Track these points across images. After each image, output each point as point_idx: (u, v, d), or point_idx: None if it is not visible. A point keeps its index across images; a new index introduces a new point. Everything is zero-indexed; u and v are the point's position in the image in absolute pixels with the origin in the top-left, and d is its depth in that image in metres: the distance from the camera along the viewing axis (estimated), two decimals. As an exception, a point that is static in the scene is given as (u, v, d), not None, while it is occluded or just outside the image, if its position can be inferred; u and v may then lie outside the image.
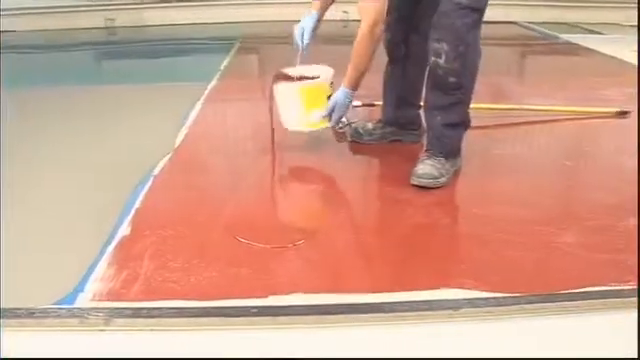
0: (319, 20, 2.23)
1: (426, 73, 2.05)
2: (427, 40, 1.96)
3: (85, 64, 4.55)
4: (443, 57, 1.90)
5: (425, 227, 1.78)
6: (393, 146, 2.40)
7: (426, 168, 2.00)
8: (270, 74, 2.80)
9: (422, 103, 2.20)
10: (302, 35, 2.21)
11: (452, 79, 1.94)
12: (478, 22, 1.92)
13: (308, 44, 2.21)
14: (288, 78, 2.23)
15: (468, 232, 1.76)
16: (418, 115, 2.37)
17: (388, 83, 2.37)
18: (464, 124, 2.07)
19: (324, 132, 2.53)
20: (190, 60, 4.55)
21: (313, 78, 2.22)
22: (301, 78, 2.22)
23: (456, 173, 2.08)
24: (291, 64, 2.26)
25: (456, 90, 1.97)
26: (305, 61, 2.25)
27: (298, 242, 1.64)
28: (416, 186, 1.97)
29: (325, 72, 2.24)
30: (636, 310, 1.32)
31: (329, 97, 2.17)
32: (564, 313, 1.36)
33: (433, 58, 1.93)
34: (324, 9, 2.25)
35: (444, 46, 1.89)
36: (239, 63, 3.94)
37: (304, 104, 2.18)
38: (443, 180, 2.00)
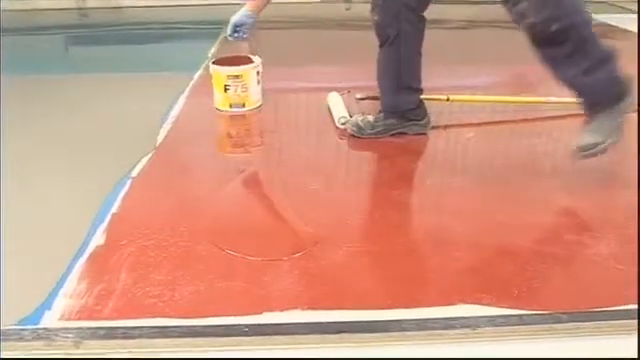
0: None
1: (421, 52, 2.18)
2: (419, 14, 1.99)
3: (52, 50, 4.56)
4: (531, 15, 1.85)
5: (438, 235, 1.80)
6: (398, 141, 2.42)
7: (585, 138, 1.97)
8: (265, 61, 2.86)
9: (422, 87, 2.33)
10: (236, 31, 2.54)
11: (554, 26, 1.85)
12: None
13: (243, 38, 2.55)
14: (225, 62, 2.85)
15: (486, 241, 1.78)
16: (420, 102, 2.40)
17: (383, 69, 2.42)
18: (604, 59, 1.95)
19: (324, 129, 2.57)
20: (173, 47, 4.56)
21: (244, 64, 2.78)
22: (234, 63, 2.82)
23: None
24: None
25: (569, 34, 1.88)
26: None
27: (295, 254, 1.66)
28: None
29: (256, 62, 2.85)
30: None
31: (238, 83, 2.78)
32: (598, 334, 1.37)
33: (521, 24, 1.89)
34: (259, 10, 2.52)
35: (525, 4, 1.85)
36: (228, 50, 3.94)
37: (215, 86, 2.84)
38: (610, 141, 1.95)
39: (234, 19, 2.51)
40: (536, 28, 1.88)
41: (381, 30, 2.31)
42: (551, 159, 2.31)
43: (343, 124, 2.53)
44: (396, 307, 1.43)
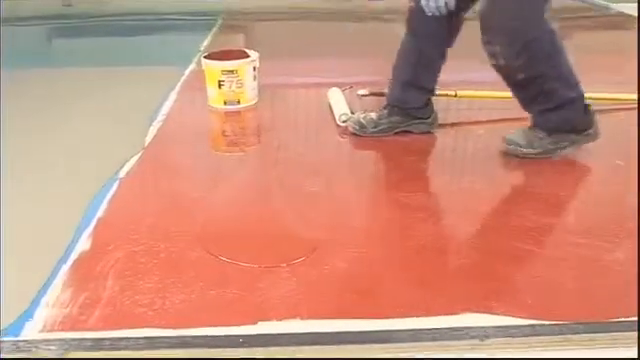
0: None
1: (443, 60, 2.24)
2: (456, 12, 2.09)
3: (34, 42, 4.58)
4: (500, 58, 2.07)
5: (444, 239, 1.81)
6: (402, 139, 2.43)
7: (515, 134, 2.25)
8: (261, 55, 2.87)
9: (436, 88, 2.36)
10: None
11: (520, 76, 2.11)
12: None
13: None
14: (218, 56, 2.88)
15: (496, 245, 1.78)
16: (428, 101, 2.41)
17: (400, 58, 2.42)
18: (568, 102, 2.17)
19: (324, 127, 2.57)
20: (163, 39, 4.58)
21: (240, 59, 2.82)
22: (228, 57, 2.84)
23: (577, 148, 2.27)
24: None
25: (534, 80, 2.12)
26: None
27: (294, 261, 1.67)
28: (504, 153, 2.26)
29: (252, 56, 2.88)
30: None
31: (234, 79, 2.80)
32: (617, 346, 1.38)
33: (490, 60, 2.11)
34: None
35: (497, 48, 2.05)
36: (222, 43, 3.96)
37: (209, 81, 2.86)
38: (529, 151, 2.22)
39: None
40: (502, 71, 2.13)
41: (417, 17, 2.30)
42: (565, 159, 2.32)
43: (344, 122, 2.54)
44: (400, 316, 1.44)
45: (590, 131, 2.27)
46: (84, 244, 1.75)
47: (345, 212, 1.95)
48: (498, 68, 2.13)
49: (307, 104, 3.02)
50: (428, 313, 1.45)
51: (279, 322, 1.43)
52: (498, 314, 1.45)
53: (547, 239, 1.77)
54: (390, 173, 2.30)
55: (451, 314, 1.45)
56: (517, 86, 2.18)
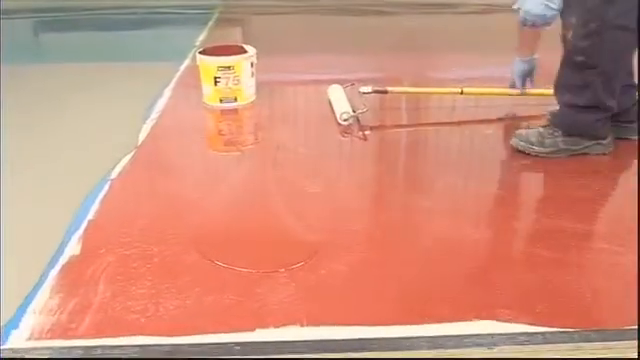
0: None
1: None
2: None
3: (20, 37, 4.58)
4: (571, 31, 2.11)
5: (449, 243, 1.81)
6: (406, 140, 2.43)
7: (527, 132, 2.28)
8: (259, 50, 2.88)
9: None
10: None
11: (579, 58, 2.13)
12: None
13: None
14: (214, 51, 2.88)
15: (505, 249, 1.79)
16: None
17: None
18: (596, 109, 2.21)
19: (324, 126, 2.57)
20: (156, 34, 4.58)
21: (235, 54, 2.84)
22: (224, 52, 2.84)
23: (585, 153, 2.29)
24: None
25: (585, 69, 2.14)
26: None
27: (294, 265, 1.67)
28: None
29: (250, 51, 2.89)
30: None
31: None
32: (631, 354, 1.37)
33: (562, 30, 2.14)
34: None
35: (573, 20, 2.08)
36: (218, 38, 3.96)
37: (204, 78, 2.87)
38: (540, 150, 2.25)
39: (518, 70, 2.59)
40: (566, 45, 2.17)
41: None
42: (577, 160, 2.32)
43: (345, 120, 2.54)
44: (404, 323, 1.45)
45: (604, 142, 2.30)
46: (74, 247, 1.75)
47: (346, 214, 1.95)
48: (564, 40, 2.18)
49: (307, 102, 3.03)
50: (433, 320, 1.45)
51: (278, 329, 1.43)
52: (507, 321, 1.45)
53: (558, 243, 1.77)
54: (393, 174, 2.30)
55: (457, 321, 1.45)
56: (569, 66, 2.20)
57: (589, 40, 2.10)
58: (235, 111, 2.85)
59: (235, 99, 2.86)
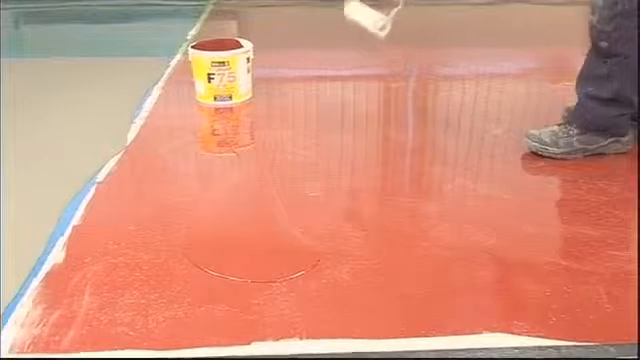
0: None
1: None
2: None
3: None
4: (597, 15, 2.11)
5: (458, 250, 1.81)
6: (411, 140, 2.43)
7: (540, 131, 2.29)
8: (256, 45, 2.88)
9: None
10: None
11: (603, 44, 2.14)
12: None
13: None
14: (208, 46, 2.89)
15: (517, 257, 1.78)
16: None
17: None
18: (619, 103, 2.22)
19: (325, 125, 2.58)
20: (146, 27, 4.57)
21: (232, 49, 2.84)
22: (219, 47, 2.84)
23: (602, 154, 2.31)
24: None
25: (608, 58, 2.16)
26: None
27: (293, 275, 1.67)
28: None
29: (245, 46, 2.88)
30: None
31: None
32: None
33: (589, 15, 2.14)
34: None
35: (599, 1, 2.08)
36: (212, 31, 3.97)
37: (197, 74, 2.87)
38: (554, 151, 2.26)
39: None
40: (592, 30, 2.17)
41: None
42: (593, 162, 2.33)
43: (382, 28, 2.50)
44: (410, 336, 1.45)
45: (623, 139, 2.31)
46: (57, 255, 1.76)
47: (349, 220, 1.96)
48: (590, 24, 2.17)
49: (306, 99, 3.03)
50: (441, 333, 1.46)
51: (276, 342, 1.43)
52: (519, 334, 1.45)
53: (575, 250, 1.77)
54: (397, 176, 2.31)
55: (467, 334, 1.45)
56: (595, 52, 2.21)
57: (614, 23, 2.09)
58: (230, 110, 2.85)
59: (230, 97, 2.86)
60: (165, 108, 2.86)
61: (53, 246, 1.80)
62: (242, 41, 2.92)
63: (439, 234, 1.87)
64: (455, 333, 1.46)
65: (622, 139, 2.31)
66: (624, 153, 2.32)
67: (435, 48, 3.69)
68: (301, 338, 1.45)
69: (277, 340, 1.44)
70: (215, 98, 2.85)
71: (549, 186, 2.21)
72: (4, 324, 1.50)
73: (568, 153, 2.28)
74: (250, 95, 2.93)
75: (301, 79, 3.28)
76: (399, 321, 1.51)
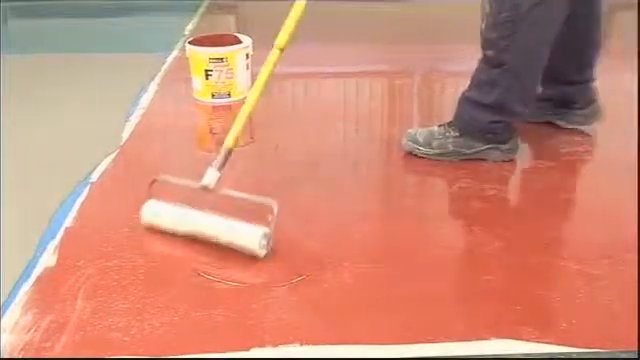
0: None
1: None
2: None
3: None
4: (484, 22, 2.12)
5: (465, 253, 1.82)
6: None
7: (418, 130, 2.34)
8: (255, 40, 2.88)
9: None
10: None
11: (489, 52, 2.15)
12: None
13: None
14: (206, 42, 2.91)
15: (526, 261, 1.78)
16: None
17: None
18: (499, 110, 2.21)
19: (327, 123, 2.58)
20: (142, 22, 4.57)
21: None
22: (217, 42, 2.86)
23: (481, 159, 2.29)
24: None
25: (494, 67, 2.16)
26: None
27: (294, 280, 1.68)
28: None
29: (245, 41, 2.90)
30: None
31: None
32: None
33: (480, 21, 2.13)
34: None
35: (487, 7, 2.09)
36: (210, 26, 3.98)
37: (194, 71, 2.87)
38: (427, 151, 2.28)
39: None
40: (481, 37, 2.18)
41: None
42: (603, 162, 2.33)
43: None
44: (415, 341, 1.45)
45: (502, 147, 2.30)
46: (49, 258, 1.76)
47: (352, 222, 1.96)
48: (480, 32, 2.17)
49: (308, 97, 3.04)
50: (447, 338, 1.46)
51: (275, 348, 1.43)
52: (528, 340, 1.45)
53: (585, 254, 1.77)
54: (402, 177, 2.32)
55: (473, 339, 1.45)
56: (482, 61, 2.22)
57: (499, 31, 2.10)
58: (228, 107, 2.85)
59: (228, 94, 2.87)
60: (161, 106, 2.86)
61: (44, 249, 1.80)
62: (241, 36, 2.92)
63: (444, 236, 1.87)
64: (461, 339, 1.46)
65: (501, 146, 2.29)
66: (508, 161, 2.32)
67: (440, 44, 3.69)
68: (301, 344, 1.45)
69: (276, 346, 1.44)
70: (213, 95, 2.86)
71: (557, 186, 2.20)
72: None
73: (441, 155, 2.29)
74: (249, 92, 2.92)
75: (302, 75, 3.28)
76: (403, 326, 1.51)
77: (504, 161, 2.29)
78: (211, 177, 1.87)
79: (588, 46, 2.41)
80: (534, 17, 2.06)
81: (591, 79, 2.48)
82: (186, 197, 1.90)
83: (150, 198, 1.91)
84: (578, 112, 2.51)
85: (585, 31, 2.35)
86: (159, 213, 1.88)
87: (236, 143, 1.97)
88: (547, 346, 1.43)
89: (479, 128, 2.26)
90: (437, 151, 2.29)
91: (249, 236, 1.75)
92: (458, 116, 2.31)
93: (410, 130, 2.36)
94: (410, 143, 2.32)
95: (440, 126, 2.33)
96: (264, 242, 1.74)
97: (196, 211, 1.86)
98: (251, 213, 1.80)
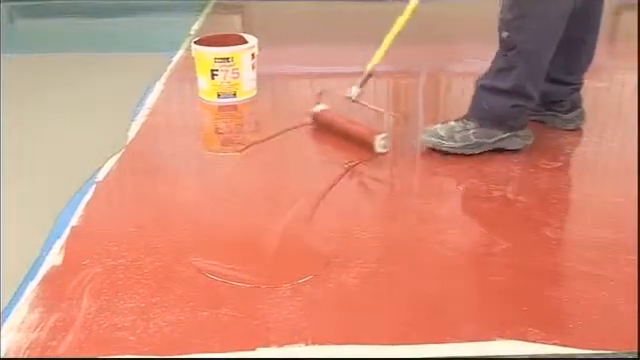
0: None
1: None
2: None
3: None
4: (501, 4, 2.17)
5: (471, 254, 1.82)
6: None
7: (439, 125, 2.35)
8: (261, 40, 2.88)
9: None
10: None
11: (504, 34, 2.19)
12: None
13: None
14: (211, 41, 2.91)
15: (532, 261, 1.78)
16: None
17: None
18: (516, 94, 2.25)
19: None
20: (148, 22, 4.59)
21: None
22: (222, 42, 2.86)
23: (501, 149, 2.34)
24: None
25: (509, 50, 2.20)
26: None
27: (299, 280, 1.68)
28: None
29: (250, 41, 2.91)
30: None
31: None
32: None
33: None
34: None
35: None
36: (215, 26, 3.98)
37: (200, 70, 2.89)
38: (450, 145, 2.31)
39: None
40: (499, 20, 2.22)
41: None
42: (611, 159, 2.32)
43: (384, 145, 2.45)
44: (420, 342, 1.45)
45: (521, 133, 2.35)
46: (55, 257, 1.77)
47: (355, 221, 1.96)
48: (498, 17, 2.22)
49: (313, 97, 3.03)
50: (453, 339, 1.46)
51: (281, 348, 1.43)
52: (535, 341, 1.45)
53: (592, 255, 1.77)
54: (408, 176, 2.31)
55: (479, 340, 1.45)
56: (499, 44, 2.25)
57: (515, 11, 2.15)
58: (234, 107, 2.86)
59: (234, 94, 2.87)
60: (167, 105, 2.87)
61: (51, 248, 1.81)
62: (246, 36, 2.92)
63: (451, 237, 1.87)
64: (467, 339, 1.46)
65: (520, 132, 2.34)
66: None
67: (446, 44, 3.69)
68: (307, 344, 1.45)
69: (282, 346, 1.44)
70: (219, 95, 2.86)
71: (563, 186, 2.20)
72: (0, 328, 1.50)
73: (465, 147, 2.31)
74: (254, 92, 2.93)
75: (307, 76, 3.28)
76: (408, 327, 1.51)
77: (520, 148, 2.35)
78: (354, 91, 2.50)
79: (582, 50, 2.42)
80: (552, 8, 2.12)
81: (579, 83, 2.50)
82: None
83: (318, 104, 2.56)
84: (560, 115, 2.53)
85: (582, 34, 2.36)
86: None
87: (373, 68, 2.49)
88: (553, 347, 1.43)
89: (498, 114, 2.29)
90: (461, 144, 2.31)
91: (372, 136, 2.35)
92: (476, 106, 2.34)
93: (428, 127, 2.37)
94: (433, 139, 2.33)
95: (457, 120, 2.34)
96: (382, 143, 2.34)
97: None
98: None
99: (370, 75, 2.48)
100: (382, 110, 2.46)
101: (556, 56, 2.29)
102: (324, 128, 2.56)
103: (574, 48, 2.37)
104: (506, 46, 2.21)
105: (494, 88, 2.28)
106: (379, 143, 2.35)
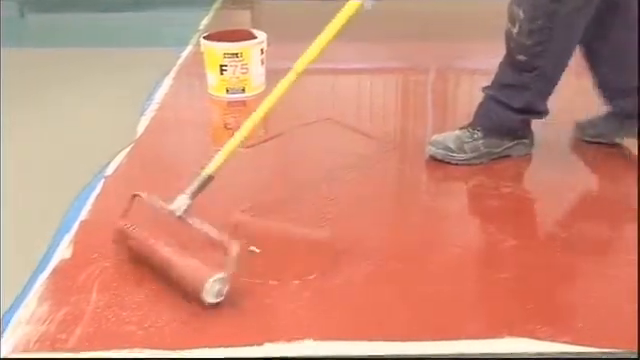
0: None
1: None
2: None
3: (4, 18, 4.50)
4: (517, 27, 2.08)
5: (480, 251, 1.82)
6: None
7: (445, 136, 2.25)
8: (270, 36, 2.88)
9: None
10: None
11: (521, 57, 2.12)
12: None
13: None
14: (221, 37, 2.90)
15: (541, 259, 1.78)
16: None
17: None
18: (527, 111, 2.23)
19: (342, 119, 2.57)
20: (157, 16, 4.60)
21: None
22: (232, 38, 2.86)
23: (506, 157, 2.29)
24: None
25: (524, 71, 2.15)
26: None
27: (308, 275, 1.68)
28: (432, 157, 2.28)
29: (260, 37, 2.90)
30: None
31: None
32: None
33: (507, 23, 2.11)
34: None
35: (520, 13, 2.05)
36: (225, 21, 3.98)
37: (209, 66, 2.88)
38: (461, 157, 2.24)
39: None
40: (509, 41, 2.15)
41: None
42: (620, 158, 2.31)
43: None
44: (428, 339, 1.45)
45: (526, 141, 2.33)
46: (64, 251, 1.78)
47: (365, 218, 1.96)
48: (508, 35, 2.15)
49: (323, 92, 3.03)
50: (461, 336, 1.46)
51: (288, 343, 1.44)
52: (544, 339, 1.45)
53: (602, 253, 1.77)
54: (418, 173, 2.31)
55: (488, 338, 1.45)
56: (510, 63, 2.20)
57: (535, 38, 2.08)
58: (243, 103, 2.86)
59: (243, 89, 2.87)
60: (176, 100, 2.87)
61: (60, 241, 1.82)
62: (256, 32, 2.92)
63: (459, 234, 1.87)
64: (476, 337, 1.45)
65: (525, 141, 2.32)
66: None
67: (455, 42, 3.68)
68: (314, 339, 1.45)
69: (290, 341, 1.44)
70: (227, 90, 2.86)
71: (573, 183, 2.19)
72: (9, 321, 1.51)
73: (475, 158, 2.26)
74: (263, 88, 2.93)
75: (317, 72, 3.27)
76: (416, 323, 1.52)
77: (525, 154, 2.32)
78: (180, 204, 1.78)
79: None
80: (571, 22, 2.07)
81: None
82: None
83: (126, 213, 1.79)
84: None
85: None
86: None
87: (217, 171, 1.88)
88: (562, 345, 1.43)
89: (507, 127, 2.26)
90: (471, 155, 2.26)
91: (200, 278, 1.53)
92: (484, 116, 2.29)
93: (435, 137, 2.31)
94: (441, 151, 2.27)
95: (462, 129, 2.30)
96: (216, 288, 1.52)
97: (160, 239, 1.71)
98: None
99: (209, 181, 1.88)
100: (221, 238, 1.64)
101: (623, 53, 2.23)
102: (136, 258, 1.74)
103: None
104: (521, 67, 2.15)
105: (506, 105, 2.23)
106: (211, 289, 1.52)
